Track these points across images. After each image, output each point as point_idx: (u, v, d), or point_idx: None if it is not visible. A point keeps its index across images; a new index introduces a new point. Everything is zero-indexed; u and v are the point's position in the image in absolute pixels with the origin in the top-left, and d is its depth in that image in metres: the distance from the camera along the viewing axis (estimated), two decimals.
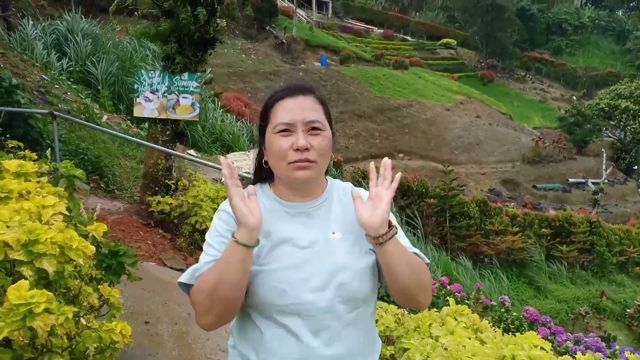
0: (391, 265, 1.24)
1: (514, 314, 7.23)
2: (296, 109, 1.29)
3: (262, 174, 1.42)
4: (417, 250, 1.37)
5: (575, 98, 37.96)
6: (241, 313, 1.34)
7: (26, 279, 1.75)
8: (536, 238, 13.93)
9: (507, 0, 41.73)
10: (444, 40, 43.70)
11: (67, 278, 2.03)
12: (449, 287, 7.44)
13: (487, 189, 21.93)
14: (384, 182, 1.26)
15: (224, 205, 1.37)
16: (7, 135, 3.32)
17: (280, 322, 1.26)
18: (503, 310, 7.20)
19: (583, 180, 24.40)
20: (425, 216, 13.08)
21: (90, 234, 2.35)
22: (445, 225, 13.66)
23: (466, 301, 7.15)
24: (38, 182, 2.14)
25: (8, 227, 1.88)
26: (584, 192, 23.55)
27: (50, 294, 1.68)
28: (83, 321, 1.89)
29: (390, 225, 1.24)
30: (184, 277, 1.29)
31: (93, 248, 2.09)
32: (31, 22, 12.01)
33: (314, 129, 1.29)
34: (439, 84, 32.45)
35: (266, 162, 1.36)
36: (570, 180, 24.29)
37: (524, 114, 34.67)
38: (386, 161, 1.28)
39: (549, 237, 13.92)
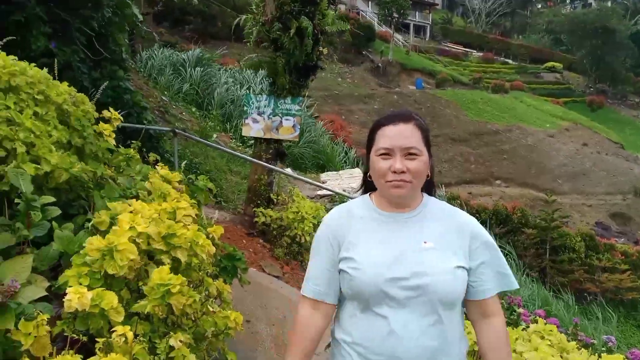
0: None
1: (617, 354, 6.72)
2: (395, 136, 1.51)
3: (367, 185, 1.66)
4: (507, 281, 1.56)
5: None
6: (340, 304, 1.61)
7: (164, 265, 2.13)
8: None
9: (619, 24, 38.96)
10: (549, 64, 41.61)
11: (192, 270, 2.40)
12: (545, 321, 7.15)
13: (594, 222, 20.42)
14: None
15: (327, 218, 1.65)
16: (150, 152, 3.83)
17: (376, 312, 1.48)
18: (604, 349, 6.77)
19: None
20: (523, 247, 12.56)
21: (211, 235, 2.72)
22: (544, 258, 13.00)
23: None
24: (179, 189, 2.55)
25: (151, 222, 2.29)
26: None
27: (184, 278, 2.03)
28: (208, 306, 2.22)
29: None
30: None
31: (214, 248, 2.46)
32: (154, 48, 13.47)
33: (410, 154, 1.50)
34: (542, 109, 30.92)
35: (370, 176, 1.61)
36: None
37: (637, 143, 31.92)
38: None
39: None
